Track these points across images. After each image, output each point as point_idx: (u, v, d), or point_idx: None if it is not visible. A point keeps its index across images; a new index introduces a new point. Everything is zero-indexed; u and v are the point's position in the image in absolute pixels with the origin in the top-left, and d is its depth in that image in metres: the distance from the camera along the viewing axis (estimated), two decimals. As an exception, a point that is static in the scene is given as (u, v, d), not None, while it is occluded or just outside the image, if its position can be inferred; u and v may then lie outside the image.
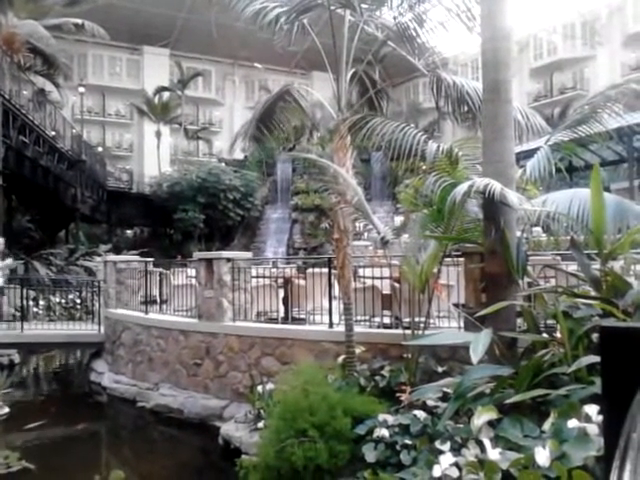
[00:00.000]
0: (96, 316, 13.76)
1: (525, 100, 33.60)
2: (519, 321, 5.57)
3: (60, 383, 13.62)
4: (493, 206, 5.48)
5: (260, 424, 6.91)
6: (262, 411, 7.14)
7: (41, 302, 15.35)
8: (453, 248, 6.90)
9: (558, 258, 7.89)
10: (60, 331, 13.56)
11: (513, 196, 5.12)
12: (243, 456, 6.65)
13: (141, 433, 9.37)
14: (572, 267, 6.53)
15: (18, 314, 13.94)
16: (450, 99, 7.84)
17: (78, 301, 15.38)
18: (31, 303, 15.02)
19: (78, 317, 14.63)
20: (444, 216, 6.27)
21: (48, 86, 24.59)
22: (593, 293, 5.18)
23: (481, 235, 6.02)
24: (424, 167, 6.98)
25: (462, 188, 5.22)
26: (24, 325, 13.54)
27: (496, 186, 5.05)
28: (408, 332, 6.51)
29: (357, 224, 11.26)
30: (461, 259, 7.13)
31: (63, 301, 15.67)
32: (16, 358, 14.24)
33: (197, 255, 10.54)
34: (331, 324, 8.14)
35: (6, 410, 9.89)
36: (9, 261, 14.75)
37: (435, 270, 6.72)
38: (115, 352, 12.09)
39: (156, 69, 41.05)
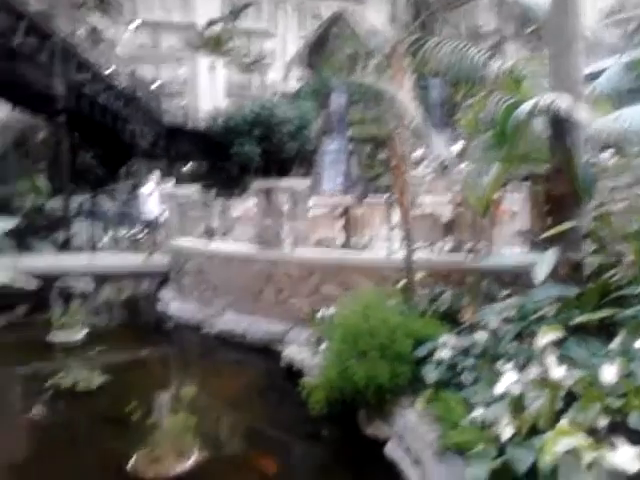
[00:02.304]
0: (161, 247, 14.23)
1: (596, 16, 31.46)
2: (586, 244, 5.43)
3: (129, 312, 14.26)
4: (559, 124, 5.26)
5: (321, 347, 7.09)
6: (323, 335, 7.31)
7: (108, 234, 15.98)
8: (516, 172, 6.72)
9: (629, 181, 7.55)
10: (127, 262, 14.16)
11: (581, 113, 4.89)
12: (305, 377, 6.87)
13: (207, 357, 9.79)
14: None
15: (88, 245, 14.58)
16: (513, 18, 7.44)
17: (143, 233, 15.87)
18: (99, 235, 15.66)
19: (143, 249, 15.13)
20: (507, 138, 6.06)
21: (101, 24, 24.68)
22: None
23: (546, 157, 5.82)
24: (485, 91, 6.73)
25: (526, 106, 5.01)
26: (93, 256, 14.19)
27: (563, 103, 4.83)
28: (470, 257, 6.46)
29: (415, 153, 11.06)
30: (525, 183, 6.94)
31: (128, 233, 16.25)
32: (87, 288, 14.97)
33: (256, 185, 10.64)
34: (391, 251, 8.14)
35: (82, 335, 10.51)
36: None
37: (498, 195, 6.58)
38: (180, 281, 12.54)
39: (207, 1, 40.46)
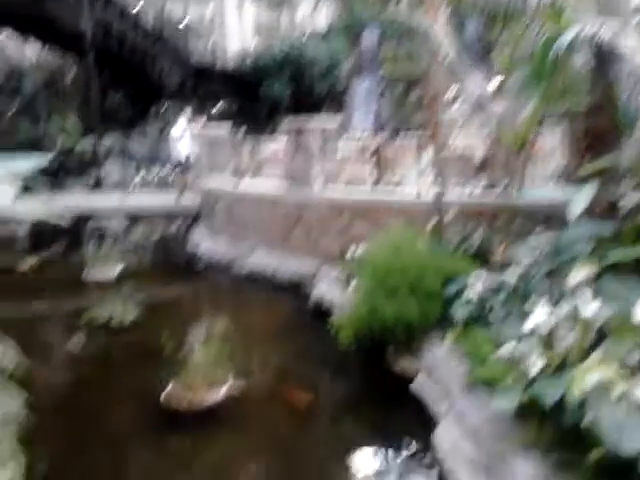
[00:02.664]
0: (192, 187, 14.30)
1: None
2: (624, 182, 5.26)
3: (160, 252, 14.49)
4: (602, 57, 5.03)
5: (350, 286, 7.13)
6: (352, 273, 7.34)
7: (139, 175, 16.11)
8: (554, 109, 6.50)
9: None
10: (158, 202, 14.30)
11: (626, 45, 4.65)
12: (334, 315, 6.95)
13: (237, 295, 9.94)
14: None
15: (119, 186, 14.74)
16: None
17: (173, 173, 15.94)
18: (130, 175, 15.80)
19: (174, 189, 15.22)
20: (545, 73, 5.83)
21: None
22: None
23: (587, 91, 5.60)
24: (524, 24, 6.44)
25: (566, 38, 4.79)
26: (125, 196, 14.36)
27: (606, 34, 4.59)
28: (503, 196, 6.35)
29: (449, 91, 10.76)
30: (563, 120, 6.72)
31: (159, 174, 16.35)
32: (120, 228, 15.21)
33: (286, 125, 10.53)
34: (422, 191, 8.05)
35: (115, 273, 10.76)
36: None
37: (533, 132, 6.39)
38: (210, 222, 12.66)
39: None
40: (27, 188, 12.19)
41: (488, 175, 7.67)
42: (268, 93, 29.48)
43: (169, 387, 5.37)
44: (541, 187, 6.98)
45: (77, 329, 7.94)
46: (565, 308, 3.97)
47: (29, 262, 12.04)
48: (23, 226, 14.49)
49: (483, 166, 7.79)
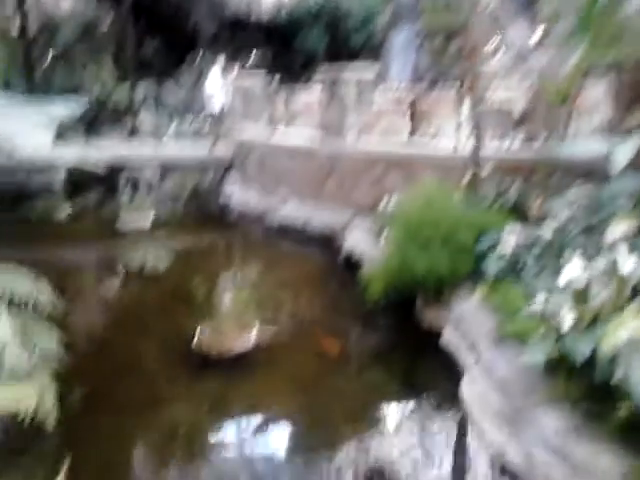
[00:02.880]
0: (225, 137, 14.26)
1: None
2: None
3: (193, 202, 14.60)
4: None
5: (382, 238, 7.09)
6: (384, 226, 7.28)
7: (173, 124, 16.12)
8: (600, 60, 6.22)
9: None
10: (191, 152, 14.34)
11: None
12: (365, 268, 6.94)
13: (268, 245, 10.01)
14: None
15: (154, 135, 14.78)
16: None
17: (207, 123, 15.90)
18: (164, 125, 15.82)
19: (208, 139, 15.20)
20: (593, 21, 5.58)
21: None
22: None
23: (636, 41, 5.34)
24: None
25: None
26: (159, 145, 14.41)
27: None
28: (542, 150, 6.17)
29: (490, 42, 10.40)
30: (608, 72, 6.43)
31: (193, 123, 16.34)
32: (153, 177, 15.33)
33: (320, 75, 10.34)
34: (458, 143, 7.88)
35: (149, 222, 10.91)
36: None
37: (577, 84, 6.15)
38: (243, 172, 12.65)
39: None
40: (63, 136, 12.35)
41: (527, 128, 7.46)
42: (303, 45, 28.97)
43: (200, 332, 5.46)
44: (583, 141, 6.74)
45: (111, 275, 8.12)
46: (601, 263, 3.88)
47: (65, 210, 12.28)
48: (60, 174, 14.74)
49: (523, 119, 7.57)
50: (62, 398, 4.04)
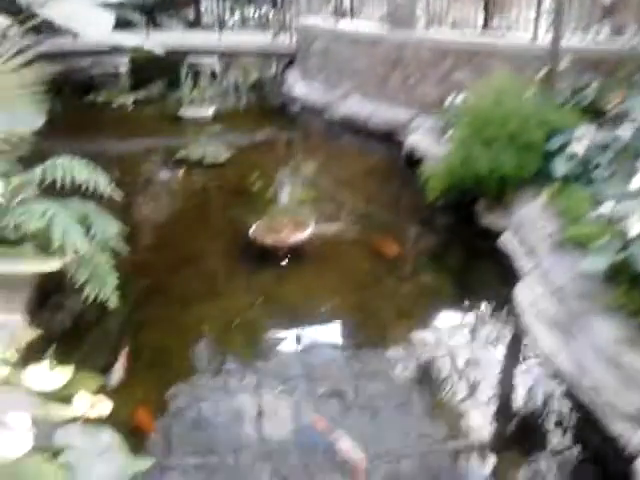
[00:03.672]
0: (288, 28, 13.79)
1: None
2: None
3: (255, 93, 14.40)
4: None
5: (446, 136, 6.79)
6: (449, 122, 6.96)
7: (237, 13, 15.64)
8: None
9: None
10: (255, 41, 13.96)
11: None
12: (427, 165, 6.70)
13: (329, 140, 9.83)
14: None
15: (217, 24, 14.41)
16: None
17: (271, 12, 15.36)
18: (227, 13, 15.36)
19: (271, 28, 14.73)
20: None
21: None
22: None
23: None
24: None
25: None
26: (222, 34, 14.07)
27: None
28: (630, 43, 5.60)
29: None
30: None
31: (257, 12, 15.81)
32: (216, 66, 15.12)
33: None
34: (536, 35, 7.27)
35: (210, 113, 10.85)
36: None
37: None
38: (306, 63, 12.26)
39: None
40: (125, 23, 12.19)
41: (616, 19, 6.78)
42: None
43: (257, 223, 5.50)
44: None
45: (172, 165, 8.21)
46: (681, 168, 3.57)
47: (129, 99, 12.34)
48: (123, 63, 14.74)
49: (612, 9, 6.87)
50: (122, 287, 4.21)
